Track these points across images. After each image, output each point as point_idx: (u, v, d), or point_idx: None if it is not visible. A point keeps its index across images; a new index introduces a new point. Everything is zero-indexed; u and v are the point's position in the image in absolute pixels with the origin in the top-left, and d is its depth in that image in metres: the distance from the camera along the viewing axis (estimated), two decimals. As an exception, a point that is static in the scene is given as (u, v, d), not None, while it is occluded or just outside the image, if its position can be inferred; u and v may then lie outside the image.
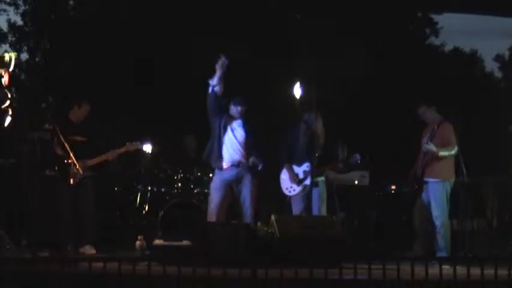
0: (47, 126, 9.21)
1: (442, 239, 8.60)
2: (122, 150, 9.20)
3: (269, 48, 15.99)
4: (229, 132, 8.43)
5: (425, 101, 9.07)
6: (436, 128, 8.78)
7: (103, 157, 9.04)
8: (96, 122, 9.25)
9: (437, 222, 8.65)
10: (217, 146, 8.42)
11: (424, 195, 8.77)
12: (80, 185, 8.80)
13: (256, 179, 8.51)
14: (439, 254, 8.48)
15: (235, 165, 8.42)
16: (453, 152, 8.66)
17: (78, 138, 8.87)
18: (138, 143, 9.34)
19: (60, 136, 8.36)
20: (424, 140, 8.84)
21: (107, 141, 9.24)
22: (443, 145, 8.69)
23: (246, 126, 8.48)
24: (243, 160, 8.42)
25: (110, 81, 15.36)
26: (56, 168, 8.89)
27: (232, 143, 8.41)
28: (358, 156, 8.70)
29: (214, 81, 8.28)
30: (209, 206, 8.49)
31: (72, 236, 8.67)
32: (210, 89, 8.33)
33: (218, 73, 8.25)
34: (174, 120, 14.78)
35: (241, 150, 8.44)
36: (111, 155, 9.10)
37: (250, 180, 8.44)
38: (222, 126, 8.40)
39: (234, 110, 8.45)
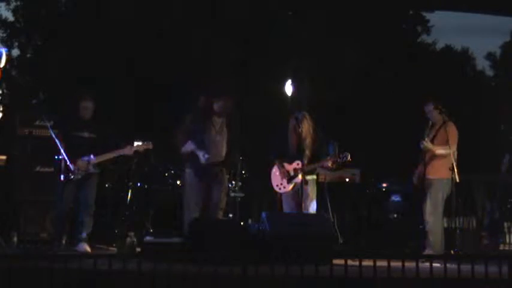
0: (38, 122, 9.18)
1: (431, 236, 8.61)
2: (137, 148, 8.93)
3: (261, 46, 15.98)
4: (211, 133, 8.32)
5: (434, 99, 8.96)
6: (439, 127, 8.76)
7: (119, 152, 8.77)
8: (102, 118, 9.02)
9: (429, 219, 8.64)
10: (195, 146, 8.28)
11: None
12: (82, 181, 8.62)
13: (226, 175, 8.50)
14: (427, 251, 8.49)
15: (213, 164, 8.30)
16: (449, 151, 8.56)
17: (86, 134, 8.69)
18: (150, 143, 9.05)
19: (67, 131, 8.26)
20: (425, 138, 8.78)
21: (115, 138, 8.98)
22: (443, 144, 8.63)
23: (229, 123, 8.40)
24: (221, 159, 8.37)
25: (100, 78, 15.31)
26: (49, 164, 8.83)
27: (211, 144, 8.29)
28: (347, 154, 8.62)
29: (185, 147, 8.23)
30: (187, 205, 8.34)
31: (66, 233, 8.62)
32: (182, 128, 8.28)
33: (190, 147, 8.21)
34: (165, 118, 14.75)
35: (221, 149, 8.34)
36: (128, 150, 8.85)
37: (223, 178, 8.40)
38: (202, 130, 8.29)
39: (216, 106, 8.36)
